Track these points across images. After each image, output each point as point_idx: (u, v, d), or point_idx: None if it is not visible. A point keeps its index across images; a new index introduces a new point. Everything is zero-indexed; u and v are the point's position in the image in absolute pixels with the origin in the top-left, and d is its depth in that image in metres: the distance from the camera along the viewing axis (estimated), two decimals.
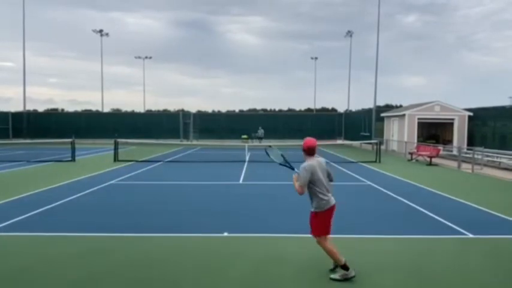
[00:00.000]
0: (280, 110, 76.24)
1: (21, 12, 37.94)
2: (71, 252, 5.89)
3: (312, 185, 4.90)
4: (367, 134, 31.08)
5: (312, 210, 4.99)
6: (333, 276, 4.90)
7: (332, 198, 5.00)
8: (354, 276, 4.82)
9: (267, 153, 5.72)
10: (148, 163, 18.66)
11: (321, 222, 4.94)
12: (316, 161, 5.00)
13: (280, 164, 5.51)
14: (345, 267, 4.84)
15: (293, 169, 5.17)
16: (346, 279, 4.80)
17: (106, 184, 12.14)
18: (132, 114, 46.30)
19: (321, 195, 4.89)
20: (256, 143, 32.80)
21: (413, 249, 6.20)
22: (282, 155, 5.61)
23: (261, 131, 34.88)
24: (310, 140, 5.09)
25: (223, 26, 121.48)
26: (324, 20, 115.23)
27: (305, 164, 4.93)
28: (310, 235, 6.82)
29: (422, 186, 12.29)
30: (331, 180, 5.13)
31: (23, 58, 39.32)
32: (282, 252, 5.94)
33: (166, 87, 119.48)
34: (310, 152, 5.02)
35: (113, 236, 6.77)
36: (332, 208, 4.98)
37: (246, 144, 25.72)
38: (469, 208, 9.15)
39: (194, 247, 6.18)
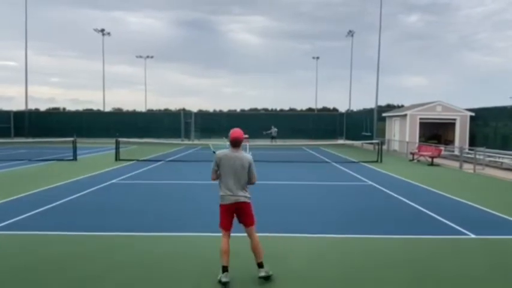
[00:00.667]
0: (281, 110, 76.19)
1: (23, 11, 38.01)
2: (72, 251, 5.88)
3: (219, 175, 4.88)
4: (369, 134, 31.04)
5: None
6: (260, 274, 4.77)
7: (233, 196, 4.79)
8: (223, 282, 4.59)
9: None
10: (149, 162, 18.67)
11: (220, 214, 4.92)
12: (234, 155, 4.80)
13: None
14: (223, 269, 4.68)
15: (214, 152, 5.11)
16: (222, 283, 4.60)
17: (107, 183, 12.14)
18: (134, 114, 46.32)
19: (221, 189, 4.85)
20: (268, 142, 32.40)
21: (415, 249, 6.18)
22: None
23: (274, 130, 34.29)
24: (235, 132, 4.89)
25: (225, 26, 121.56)
26: (325, 19, 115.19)
27: (217, 152, 4.92)
28: (309, 235, 6.83)
29: (424, 186, 12.26)
30: (250, 181, 4.91)
31: (25, 57, 39.40)
32: (282, 251, 5.93)
33: (168, 87, 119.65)
34: (233, 143, 4.85)
35: (114, 235, 6.77)
36: (228, 206, 4.82)
37: (247, 144, 25.70)
38: (471, 208, 9.12)
39: (195, 246, 6.18)
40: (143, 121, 39.28)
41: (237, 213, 4.89)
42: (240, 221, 4.93)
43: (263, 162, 18.96)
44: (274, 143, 31.56)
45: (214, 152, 5.15)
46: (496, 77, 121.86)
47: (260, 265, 4.83)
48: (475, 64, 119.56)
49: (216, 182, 4.98)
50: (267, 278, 4.76)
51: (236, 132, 4.89)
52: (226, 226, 4.89)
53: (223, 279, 4.61)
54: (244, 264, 5.24)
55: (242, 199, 4.83)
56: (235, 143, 4.86)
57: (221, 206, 4.88)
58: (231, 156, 4.81)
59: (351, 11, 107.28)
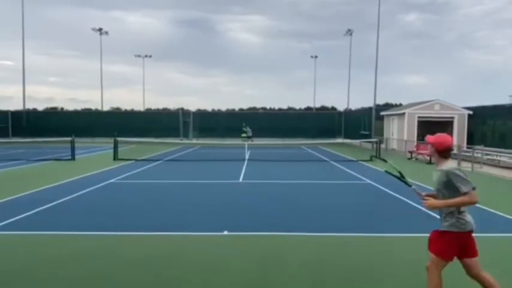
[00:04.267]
0: (280, 109, 76.18)
1: (21, 10, 37.90)
2: (70, 251, 5.88)
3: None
4: (367, 132, 31.07)
5: (446, 229, 3.83)
6: None
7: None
8: None
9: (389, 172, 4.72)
10: (148, 162, 18.66)
11: (446, 244, 3.83)
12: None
13: (399, 179, 4.62)
14: None
15: (410, 186, 4.15)
16: None
17: (106, 183, 12.13)
18: (132, 113, 46.23)
19: (462, 211, 3.79)
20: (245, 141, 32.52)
21: (414, 247, 6.19)
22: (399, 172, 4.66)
23: (248, 129, 34.68)
24: (445, 138, 3.97)
25: (223, 25, 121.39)
26: (324, 18, 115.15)
27: (453, 167, 3.93)
28: (310, 233, 6.84)
29: (422, 184, 12.27)
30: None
31: (23, 57, 39.32)
32: (282, 251, 5.93)
33: (166, 86, 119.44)
34: (446, 153, 3.88)
35: (113, 234, 6.77)
36: (467, 236, 3.84)
37: (246, 143, 25.71)
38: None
39: (194, 246, 6.18)
40: (142, 120, 39.20)
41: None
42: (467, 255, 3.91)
43: (262, 161, 18.98)
44: (250, 142, 31.73)
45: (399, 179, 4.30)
46: (495, 75, 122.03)
47: None
48: (473, 63, 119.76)
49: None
50: None
51: (445, 138, 3.99)
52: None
53: None
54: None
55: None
56: (447, 153, 3.88)
57: (459, 234, 3.77)
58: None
59: (350, 10, 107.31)
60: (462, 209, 3.79)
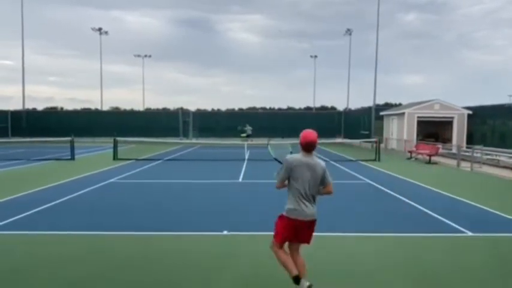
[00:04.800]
0: (279, 109, 76.17)
1: (20, 10, 37.85)
2: (70, 250, 5.89)
3: (290, 184, 4.20)
4: (367, 132, 31.07)
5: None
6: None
7: (308, 211, 4.18)
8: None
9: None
10: (147, 161, 18.66)
11: (282, 227, 4.24)
12: (309, 159, 4.15)
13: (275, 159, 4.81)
14: (296, 280, 4.11)
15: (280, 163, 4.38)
16: None
17: (105, 182, 12.13)
18: (132, 113, 46.21)
19: (291, 200, 4.19)
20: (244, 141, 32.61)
21: (412, 247, 6.20)
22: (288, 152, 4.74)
23: (248, 128, 34.79)
24: (309, 134, 4.23)
25: (223, 25, 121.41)
26: (324, 18, 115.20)
27: (288, 157, 4.22)
28: None
29: (421, 184, 12.30)
30: (325, 191, 4.32)
31: (22, 56, 39.26)
32: None
33: (166, 86, 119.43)
34: (308, 148, 4.18)
35: (113, 234, 6.77)
36: (298, 222, 4.16)
37: (246, 143, 25.70)
38: (468, 206, 9.16)
39: (194, 245, 6.18)
40: (141, 120, 39.19)
41: (302, 230, 4.24)
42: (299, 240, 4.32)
43: (261, 161, 18.98)
44: (250, 142, 31.83)
45: (276, 160, 4.61)
46: (494, 75, 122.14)
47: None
48: (473, 62, 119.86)
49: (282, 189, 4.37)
50: None
51: (309, 134, 4.21)
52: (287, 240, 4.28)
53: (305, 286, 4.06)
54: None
55: (315, 216, 4.24)
56: (307, 147, 4.16)
57: (288, 219, 4.19)
58: (304, 163, 4.12)
59: (349, 10, 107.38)
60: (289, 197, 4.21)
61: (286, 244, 4.38)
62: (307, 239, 4.35)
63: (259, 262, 5.45)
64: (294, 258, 4.31)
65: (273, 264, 5.33)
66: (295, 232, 4.22)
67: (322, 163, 4.26)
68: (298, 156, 4.19)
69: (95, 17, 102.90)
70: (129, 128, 35.56)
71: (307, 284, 4.08)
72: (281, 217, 4.29)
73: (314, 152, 4.26)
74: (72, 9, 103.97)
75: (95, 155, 22.27)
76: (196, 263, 5.40)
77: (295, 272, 4.15)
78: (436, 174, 15.06)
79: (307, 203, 4.18)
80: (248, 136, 34.03)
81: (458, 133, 23.99)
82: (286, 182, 4.24)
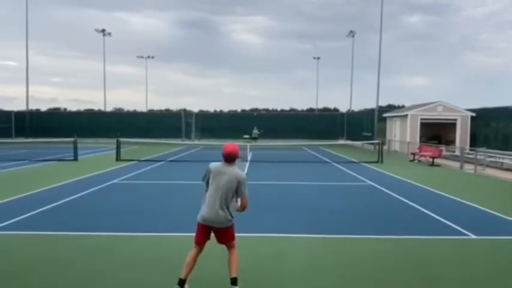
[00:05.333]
0: (282, 110, 76.14)
1: (24, 11, 38.04)
2: (73, 251, 5.90)
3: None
4: (369, 134, 31.03)
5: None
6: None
7: (212, 216, 4.35)
8: None
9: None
10: (150, 162, 18.69)
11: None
12: (227, 169, 4.38)
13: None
14: (180, 283, 4.33)
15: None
16: None
17: (108, 183, 12.15)
18: (134, 114, 46.34)
19: (203, 204, 4.47)
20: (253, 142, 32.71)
21: (415, 250, 6.18)
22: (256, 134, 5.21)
23: (255, 132, 34.81)
24: (229, 146, 4.49)
25: (226, 26, 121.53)
26: (327, 20, 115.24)
27: (210, 165, 4.53)
28: (312, 235, 6.84)
29: (424, 186, 12.26)
30: (239, 202, 4.47)
31: (26, 57, 39.42)
32: (283, 252, 5.93)
33: (169, 87, 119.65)
34: (227, 158, 4.43)
35: (115, 235, 6.78)
36: (202, 226, 4.45)
37: (248, 144, 25.71)
38: (471, 209, 9.12)
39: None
40: (144, 121, 39.27)
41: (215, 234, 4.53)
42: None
43: (264, 162, 18.98)
44: (255, 143, 31.85)
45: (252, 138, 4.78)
46: (498, 77, 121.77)
47: (234, 281, 4.40)
48: (476, 65, 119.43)
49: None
50: None
51: (229, 146, 4.48)
52: (199, 243, 4.59)
53: None
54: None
55: (224, 224, 4.40)
56: (228, 158, 4.43)
57: (199, 223, 4.51)
58: (221, 171, 4.38)
59: (352, 11, 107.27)
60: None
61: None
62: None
63: (260, 263, 5.44)
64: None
65: (274, 264, 5.33)
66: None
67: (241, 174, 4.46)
68: (219, 164, 4.48)
69: (98, 18, 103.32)
70: (131, 129, 35.65)
71: None
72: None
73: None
74: (76, 10, 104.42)
75: (97, 156, 22.32)
76: (198, 263, 5.39)
77: (183, 276, 4.42)
78: (439, 176, 15.01)
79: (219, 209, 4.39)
80: (254, 139, 34.02)
81: (462, 135, 23.90)
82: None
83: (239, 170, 4.46)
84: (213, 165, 4.49)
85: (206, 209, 4.39)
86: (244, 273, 5.03)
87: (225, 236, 4.51)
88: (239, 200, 4.47)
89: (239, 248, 6.14)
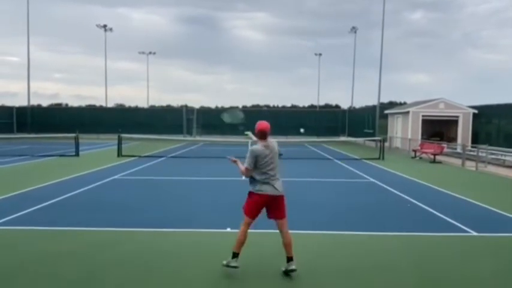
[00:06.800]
0: (283, 107, 76.06)
1: (26, 7, 37.98)
2: (74, 246, 5.90)
3: (256, 169, 4.91)
4: (371, 131, 30.97)
5: (250, 189, 5.02)
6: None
7: (275, 188, 4.93)
8: (235, 267, 4.79)
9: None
10: (151, 158, 18.70)
11: (251, 203, 4.95)
12: (265, 145, 4.95)
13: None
14: (234, 255, 4.82)
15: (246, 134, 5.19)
16: (228, 266, 4.80)
17: (110, 179, 12.17)
18: (136, 110, 46.34)
19: (260, 178, 4.92)
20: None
21: (417, 247, 6.17)
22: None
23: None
24: (262, 123, 5.00)
25: (228, 22, 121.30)
26: (329, 16, 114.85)
27: (253, 147, 4.92)
28: (312, 231, 6.83)
29: (425, 183, 12.24)
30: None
31: (27, 53, 39.44)
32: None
33: (170, 83, 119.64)
34: (261, 135, 4.98)
35: (116, 230, 6.78)
36: (268, 197, 4.88)
37: (249, 141, 25.74)
38: (473, 206, 9.11)
39: (197, 242, 6.19)
40: (145, 117, 39.27)
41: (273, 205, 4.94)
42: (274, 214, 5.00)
43: None
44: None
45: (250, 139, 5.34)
46: (500, 74, 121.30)
47: (290, 259, 4.87)
48: (478, 61, 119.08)
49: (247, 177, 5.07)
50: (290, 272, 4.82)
51: (262, 124, 4.98)
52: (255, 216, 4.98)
53: (233, 264, 4.78)
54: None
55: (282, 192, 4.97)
56: (263, 135, 4.95)
57: (260, 195, 4.90)
58: (265, 148, 4.93)
59: (355, 8, 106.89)
60: (257, 177, 4.93)
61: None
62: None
63: (261, 259, 5.44)
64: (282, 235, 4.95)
65: (275, 261, 5.32)
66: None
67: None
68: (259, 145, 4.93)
69: (100, 14, 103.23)
70: (133, 125, 35.67)
71: (293, 267, 4.80)
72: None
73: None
74: (78, 6, 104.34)
75: (99, 152, 22.34)
76: (199, 259, 5.40)
77: (238, 252, 4.84)
78: (441, 173, 14.98)
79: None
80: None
81: (463, 132, 23.85)
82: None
83: (274, 141, 5.10)
84: (256, 148, 4.92)
85: (271, 181, 4.91)
86: (245, 271, 5.03)
87: (282, 205, 4.98)
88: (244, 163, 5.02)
89: (249, 243, 6.14)
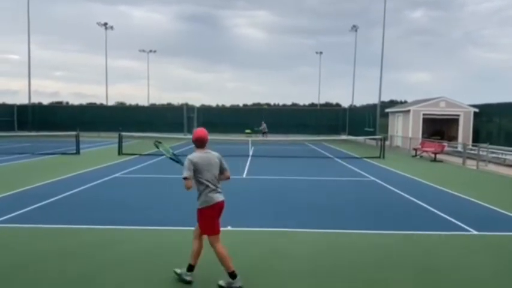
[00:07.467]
0: (284, 105, 76.07)
1: (26, 5, 37.93)
2: (74, 244, 5.91)
3: (197, 180, 4.56)
4: (372, 129, 30.95)
5: (198, 206, 4.66)
6: (219, 282, 4.54)
7: (221, 194, 4.65)
8: (189, 282, 4.57)
9: (156, 146, 5.57)
10: (152, 156, 18.70)
11: (207, 219, 4.60)
12: (204, 155, 4.59)
13: (171, 159, 5.18)
14: (232, 275, 4.47)
15: (182, 164, 4.70)
16: (180, 277, 4.61)
17: (110, 177, 12.18)
18: (137, 108, 46.34)
19: (206, 191, 4.56)
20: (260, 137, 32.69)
21: (417, 245, 6.17)
22: (171, 152, 5.33)
23: (264, 126, 34.61)
24: (200, 131, 4.72)
25: (229, 20, 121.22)
26: (330, 15, 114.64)
27: (190, 155, 4.58)
28: (313, 230, 6.84)
29: (426, 182, 12.24)
30: (224, 176, 4.77)
31: (28, 51, 39.43)
32: (285, 247, 5.94)
33: (171, 81, 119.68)
34: (198, 143, 4.63)
35: (117, 228, 6.79)
36: (217, 205, 4.59)
37: (250, 139, 25.70)
38: (473, 205, 9.11)
39: None
40: (146, 115, 39.27)
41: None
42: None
43: (266, 157, 18.97)
44: (265, 138, 31.74)
45: (172, 158, 5.08)
46: (501, 73, 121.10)
47: (233, 275, 4.50)
48: (479, 60, 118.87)
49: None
50: None
51: (199, 131, 4.71)
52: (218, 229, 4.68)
53: (238, 284, 4.46)
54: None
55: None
56: (200, 143, 4.63)
57: (211, 206, 4.58)
58: (203, 158, 4.55)
59: (355, 7, 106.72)
60: (201, 189, 4.63)
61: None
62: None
63: (263, 258, 5.45)
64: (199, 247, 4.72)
65: (276, 260, 5.33)
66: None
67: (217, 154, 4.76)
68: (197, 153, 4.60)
69: (101, 11, 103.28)
70: (133, 123, 35.69)
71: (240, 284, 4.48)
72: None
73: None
74: (78, 4, 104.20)
75: (99, 150, 22.35)
76: (200, 258, 5.40)
77: (232, 268, 4.51)
78: (442, 172, 14.97)
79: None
80: (264, 133, 33.87)
81: (464, 131, 23.82)
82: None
83: (213, 151, 4.76)
84: (193, 156, 4.57)
85: (213, 191, 4.60)
86: (245, 269, 5.04)
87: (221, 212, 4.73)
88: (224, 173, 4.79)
89: (240, 242, 6.16)
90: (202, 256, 4.77)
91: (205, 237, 4.71)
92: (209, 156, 4.65)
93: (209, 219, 4.60)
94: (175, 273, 4.71)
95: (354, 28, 46.69)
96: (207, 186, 4.56)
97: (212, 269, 4.84)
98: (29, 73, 39.34)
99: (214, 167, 4.63)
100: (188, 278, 4.61)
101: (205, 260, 4.85)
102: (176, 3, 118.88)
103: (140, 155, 19.25)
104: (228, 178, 4.85)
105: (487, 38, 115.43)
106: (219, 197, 4.63)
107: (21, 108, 39.12)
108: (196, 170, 4.51)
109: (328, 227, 7.05)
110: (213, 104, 77.56)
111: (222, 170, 4.74)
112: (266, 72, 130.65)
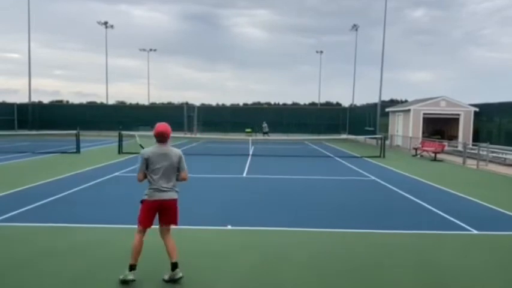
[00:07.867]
0: (284, 104, 76.02)
1: (27, 3, 37.91)
2: (74, 243, 5.91)
3: (147, 174, 4.62)
4: (372, 128, 30.95)
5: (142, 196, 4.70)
6: (165, 277, 4.60)
7: (167, 193, 4.59)
8: (132, 280, 4.46)
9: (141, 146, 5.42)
10: None
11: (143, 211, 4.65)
12: (160, 150, 4.58)
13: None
14: (131, 268, 4.50)
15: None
16: (125, 280, 4.46)
17: (110, 176, 12.18)
18: (137, 107, 46.35)
19: (151, 186, 4.62)
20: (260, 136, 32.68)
21: (417, 245, 6.17)
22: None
23: (265, 125, 34.60)
24: (161, 126, 4.70)
25: (229, 19, 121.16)
26: (330, 14, 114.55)
27: (143, 149, 4.65)
28: (311, 229, 6.84)
29: (426, 181, 12.23)
30: (180, 176, 4.71)
31: (28, 50, 39.49)
32: (285, 246, 5.93)
33: (171, 80, 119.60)
34: (159, 138, 4.63)
35: (117, 227, 6.80)
36: (158, 203, 4.58)
37: (250, 138, 25.69)
38: (473, 204, 9.10)
39: (197, 239, 6.20)
40: (146, 114, 39.25)
41: (161, 211, 4.67)
42: (162, 220, 4.72)
43: (266, 156, 18.97)
44: (267, 137, 31.78)
45: (141, 147, 5.11)
46: (502, 72, 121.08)
47: (175, 266, 4.57)
48: (480, 60, 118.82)
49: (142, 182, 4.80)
50: (175, 281, 4.53)
51: (160, 126, 4.67)
52: (148, 223, 4.67)
53: (129, 277, 4.45)
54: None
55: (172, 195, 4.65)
56: (160, 138, 4.62)
57: (152, 202, 4.63)
58: (158, 153, 4.54)
59: (356, 6, 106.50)
60: (149, 183, 4.69)
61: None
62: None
63: (263, 257, 5.45)
64: (165, 241, 4.70)
65: (276, 259, 5.33)
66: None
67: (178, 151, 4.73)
68: (152, 148, 4.61)
69: (102, 10, 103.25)
70: (133, 122, 35.68)
71: (181, 274, 4.53)
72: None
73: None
74: (79, 2, 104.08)
75: (100, 149, 22.36)
76: (199, 257, 5.40)
77: (133, 263, 4.54)
78: (442, 171, 14.97)
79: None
80: (265, 133, 33.86)
81: (465, 130, 23.82)
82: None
83: (175, 148, 4.71)
84: (146, 150, 4.62)
85: (159, 187, 4.59)
86: (245, 269, 5.04)
87: (172, 211, 4.68)
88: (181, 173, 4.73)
89: (240, 241, 6.16)
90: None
91: (171, 232, 4.75)
92: (166, 152, 4.59)
93: (145, 211, 4.63)
94: (121, 280, 4.51)
95: (355, 27, 46.68)
96: (154, 181, 4.58)
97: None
98: (29, 72, 39.36)
99: (169, 163, 4.57)
100: (131, 277, 4.49)
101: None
102: (176, 2, 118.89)
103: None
104: (184, 179, 4.75)
105: (487, 37, 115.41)
106: (162, 196, 4.57)
107: (22, 107, 39.13)
108: (147, 164, 4.56)
109: (328, 226, 7.05)
110: (213, 103, 77.51)
111: (179, 169, 4.67)
112: (266, 71, 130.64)
